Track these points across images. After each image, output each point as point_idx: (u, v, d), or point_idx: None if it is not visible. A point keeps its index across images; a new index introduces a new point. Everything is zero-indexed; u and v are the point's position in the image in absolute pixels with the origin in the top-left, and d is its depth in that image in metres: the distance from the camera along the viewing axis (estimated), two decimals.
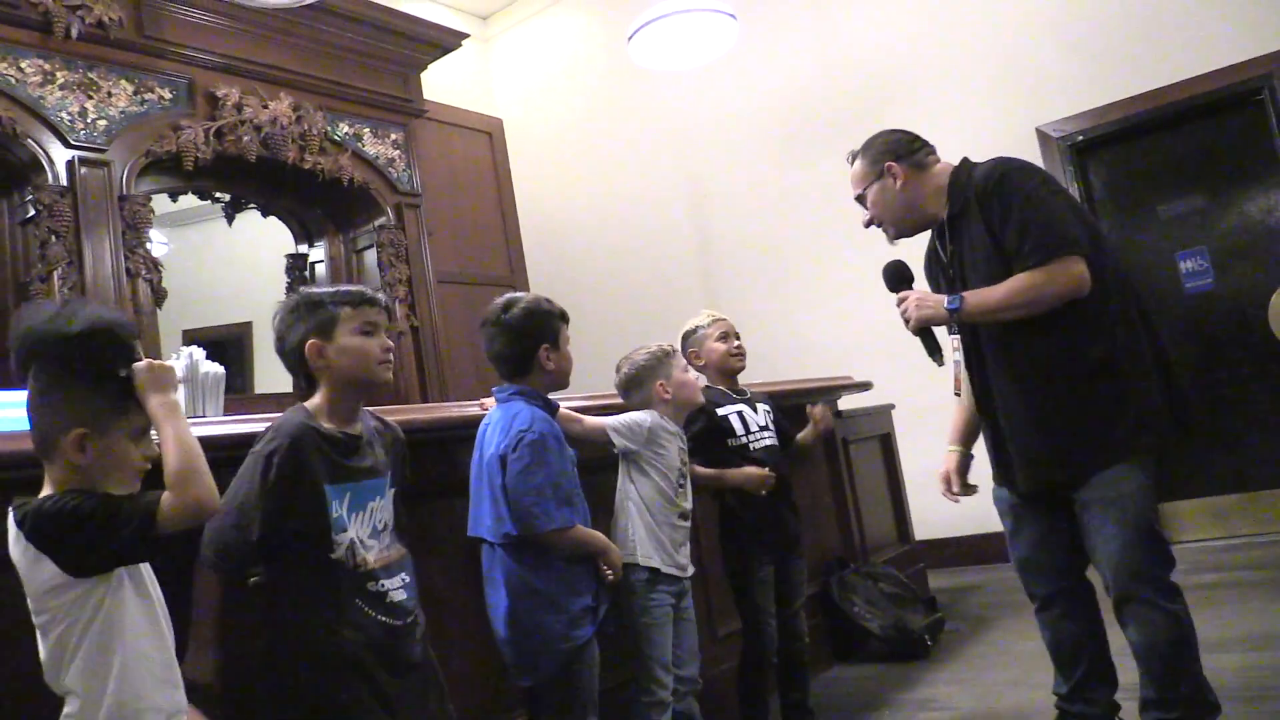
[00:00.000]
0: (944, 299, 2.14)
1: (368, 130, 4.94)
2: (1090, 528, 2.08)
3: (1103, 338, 2.06)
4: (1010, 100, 4.89)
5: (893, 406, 4.60)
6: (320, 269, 5.08)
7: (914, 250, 2.38)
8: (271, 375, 5.08)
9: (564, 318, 2.20)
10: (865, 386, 4.23)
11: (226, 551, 1.59)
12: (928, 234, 2.33)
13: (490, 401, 2.19)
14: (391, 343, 1.82)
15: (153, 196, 4.15)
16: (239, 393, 4.59)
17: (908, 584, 3.82)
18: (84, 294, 3.66)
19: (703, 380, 2.78)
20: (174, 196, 4.64)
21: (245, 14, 4.29)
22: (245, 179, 4.65)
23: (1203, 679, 2.06)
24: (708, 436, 2.65)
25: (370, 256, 4.97)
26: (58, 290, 3.61)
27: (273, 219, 5.07)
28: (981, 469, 2.36)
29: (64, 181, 3.73)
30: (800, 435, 2.91)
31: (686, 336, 2.83)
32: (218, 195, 4.86)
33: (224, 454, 1.52)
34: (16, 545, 1.32)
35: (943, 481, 2.40)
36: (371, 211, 4.97)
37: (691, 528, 2.43)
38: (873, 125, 2.47)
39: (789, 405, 3.01)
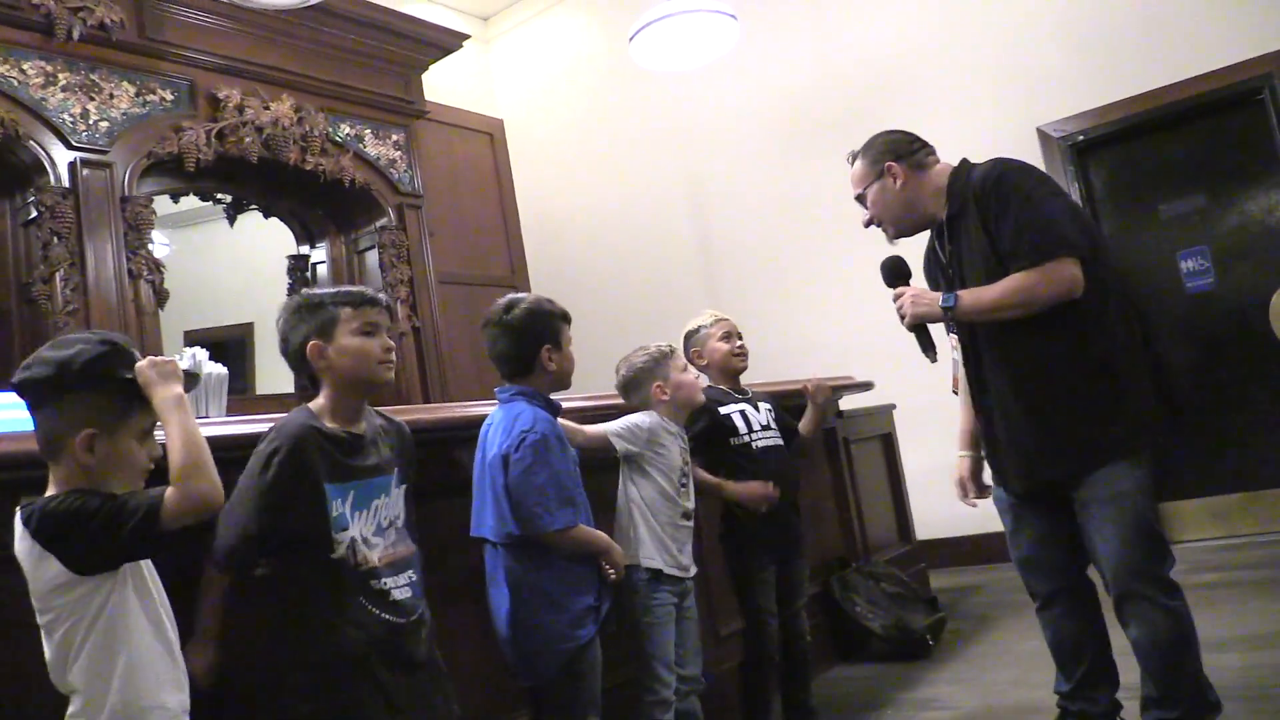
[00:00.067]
0: (939, 296, 2.15)
1: (369, 131, 4.95)
2: (1089, 527, 2.09)
3: (1100, 337, 2.07)
4: (1011, 100, 4.89)
5: (894, 406, 4.61)
6: (322, 270, 5.09)
7: (914, 250, 2.39)
8: (273, 376, 5.10)
9: (566, 318, 2.20)
10: (866, 386, 4.23)
11: (231, 552, 1.61)
12: (927, 234, 2.34)
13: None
14: (393, 343, 1.83)
15: (154, 198, 4.16)
16: (241, 393, 4.60)
17: (909, 583, 3.82)
18: (86, 295, 3.67)
19: (704, 380, 2.78)
20: (175, 198, 4.65)
21: (246, 15, 4.30)
22: (247, 180, 4.66)
23: (1203, 677, 2.07)
24: (710, 436, 2.65)
25: (372, 257, 4.98)
26: (59, 292, 3.62)
27: (274, 220, 5.08)
28: (985, 469, 2.37)
29: (66, 183, 3.73)
30: (800, 425, 2.91)
31: (689, 336, 2.83)
32: (219, 196, 4.87)
33: (227, 454, 1.52)
34: (22, 543, 1.33)
35: (959, 488, 2.41)
36: (373, 212, 4.98)
37: (694, 527, 2.43)
38: (873, 125, 2.48)
39: (791, 405, 3.01)
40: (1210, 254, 4.58)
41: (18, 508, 1.35)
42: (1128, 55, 4.62)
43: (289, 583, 1.67)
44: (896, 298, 2.25)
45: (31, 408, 1.39)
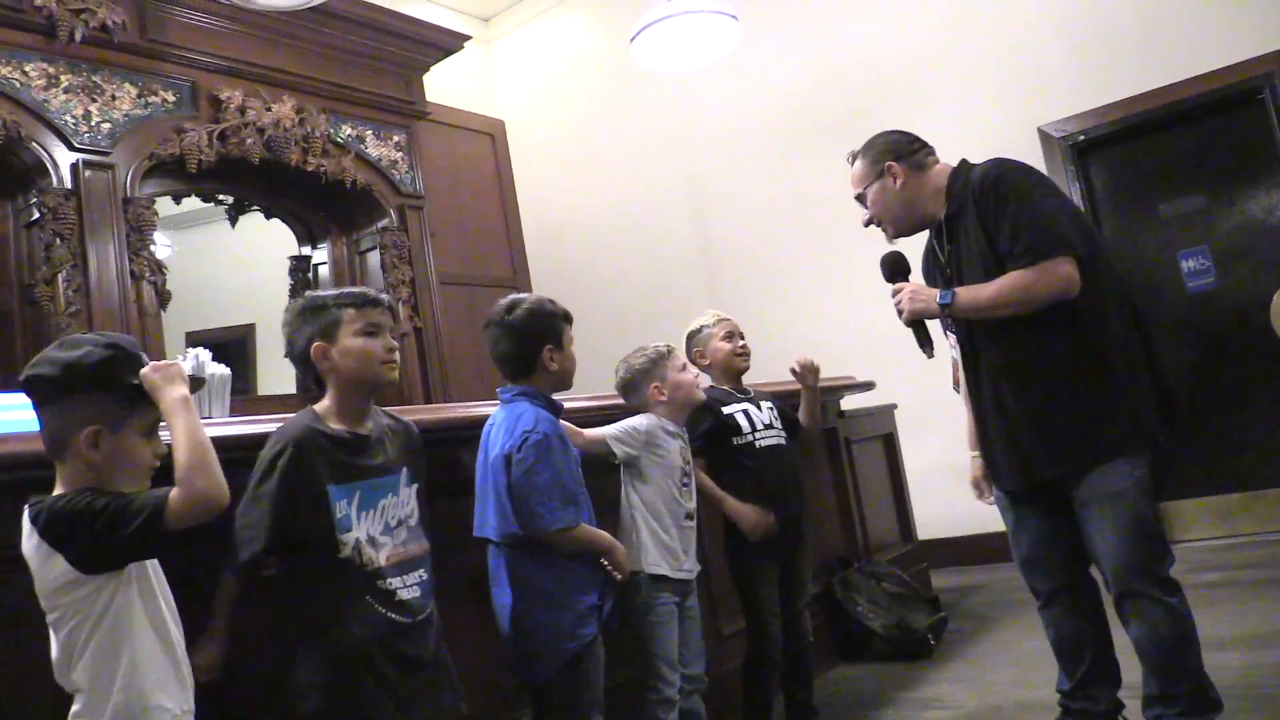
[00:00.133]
0: (937, 293, 2.18)
1: (370, 132, 4.96)
2: (1089, 526, 2.10)
3: (1099, 336, 2.08)
4: (1011, 100, 4.90)
5: (895, 406, 4.61)
6: (323, 271, 5.10)
7: (914, 249, 2.41)
8: (275, 377, 5.11)
9: (567, 318, 2.21)
10: (868, 386, 4.24)
11: (248, 556, 1.62)
12: (926, 233, 2.35)
13: None
14: (396, 343, 1.84)
15: (156, 199, 4.17)
16: (242, 394, 4.60)
17: (911, 583, 3.82)
18: (88, 297, 3.68)
19: (706, 380, 2.78)
20: (177, 199, 4.66)
21: (248, 17, 4.31)
22: (248, 181, 4.66)
23: (1204, 676, 2.07)
24: (714, 435, 2.66)
25: (373, 258, 4.99)
26: (62, 293, 3.62)
27: (276, 221, 5.09)
28: None
29: (68, 184, 3.74)
30: (799, 415, 2.91)
31: (691, 336, 2.83)
32: (221, 197, 4.88)
33: (231, 454, 1.53)
34: (29, 542, 1.34)
35: (974, 488, 2.42)
36: (374, 213, 4.99)
37: (696, 526, 2.44)
38: (874, 126, 2.49)
39: (793, 405, 3.01)
40: (1211, 254, 4.59)
41: (26, 506, 1.35)
42: (1128, 55, 4.62)
43: (296, 583, 1.68)
44: (895, 293, 2.27)
45: (37, 406, 1.40)
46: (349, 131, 4.84)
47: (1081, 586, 2.23)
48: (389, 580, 1.69)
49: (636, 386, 2.44)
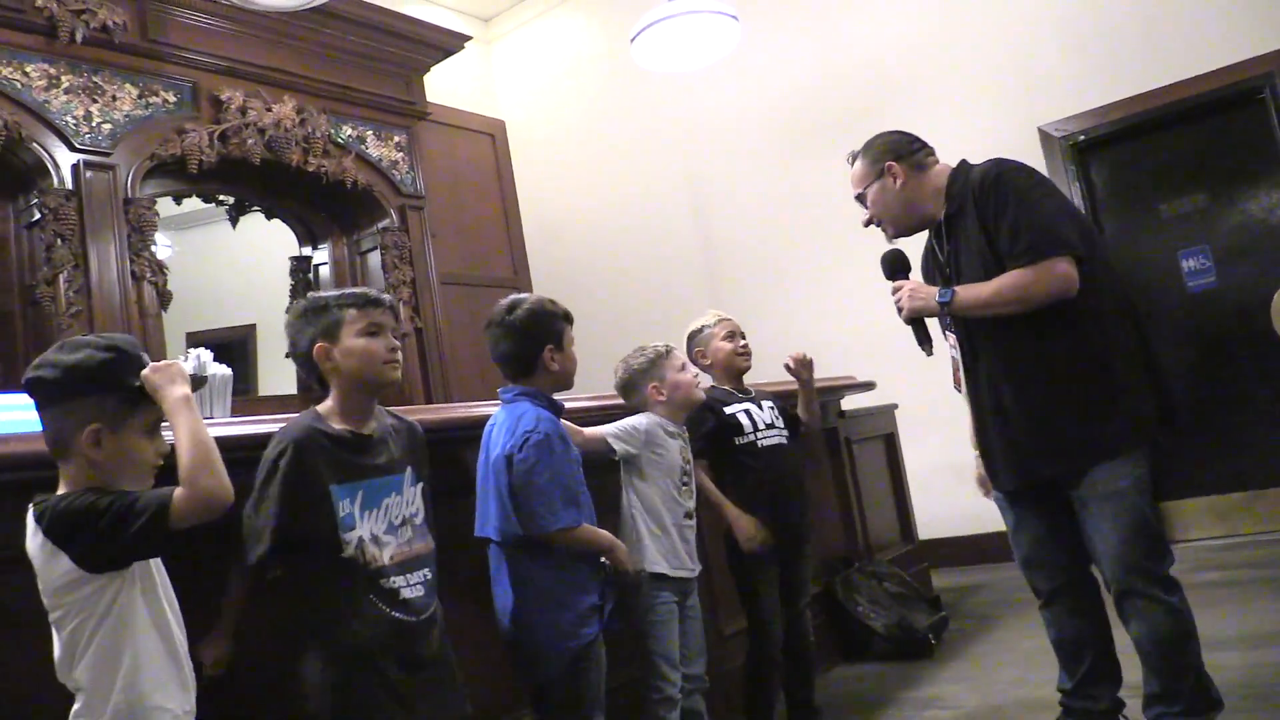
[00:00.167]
0: (937, 290, 2.19)
1: (371, 133, 4.96)
2: (1088, 525, 2.11)
3: (1098, 336, 2.09)
4: (1012, 100, 4.90)
5: (896, 406, 4.61)
6: (324, 271, 5.10)
7: (914, 249, 2.41)
8: (275, 377, 5.11)
9: (568, 318, 2.21)
10: (869, 386, 4.24)
11: (258, 557, 1.63)
12: (926, 233, 2.36)
13: None
14: (398, 343, 1.84)
15: (157, 199, 4.17)
16: (243, 395, 4.60)
17: (912, 583, 3.83)
18: (89, 297, 3.68)
19: (708, 380, 2.79)
20: (178, 199, 4.67)
21: (249, 18, 4.31)
22: (249, 182, 4.67)
23: (1205, 674, 2.08)
24: (716, 435, 2.66)
25: (374, 258, 4.99)
26: (63, 293, 3.63)
27: (276, 221, 5.09)
28: None
29: (69, 185, 3.74)
30: (799, 412, 2.91)
31: (692, 336, 2.83)
32: (222, 198, 4.89)
33: (233, 454, 1.53)
34: (34, 540, 1.34)
35: (980, 486, 2.43)
36: (375, 213, 4.99)
37: (696, 525, 2.44)
38: (874, 126, 2.49)
39: (794, 405, 3.02)
40: (1211, 253, 4.59)
41: (30, 505, 1.36)
42: (1128, 55, 4.62)
43: (300, 582, 1.69)
44: (895, 291, 2.29)
45: (39, 408, 1.40)
46: (350, 132, 4.85)
47: (1082, 585, 2.24)
48: (392, 579, 1.69)
49: (635, 386, 2.45)
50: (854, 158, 2.39)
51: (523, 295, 2.23)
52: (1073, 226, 2.10)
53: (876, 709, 2.93)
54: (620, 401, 2.51)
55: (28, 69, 3.71)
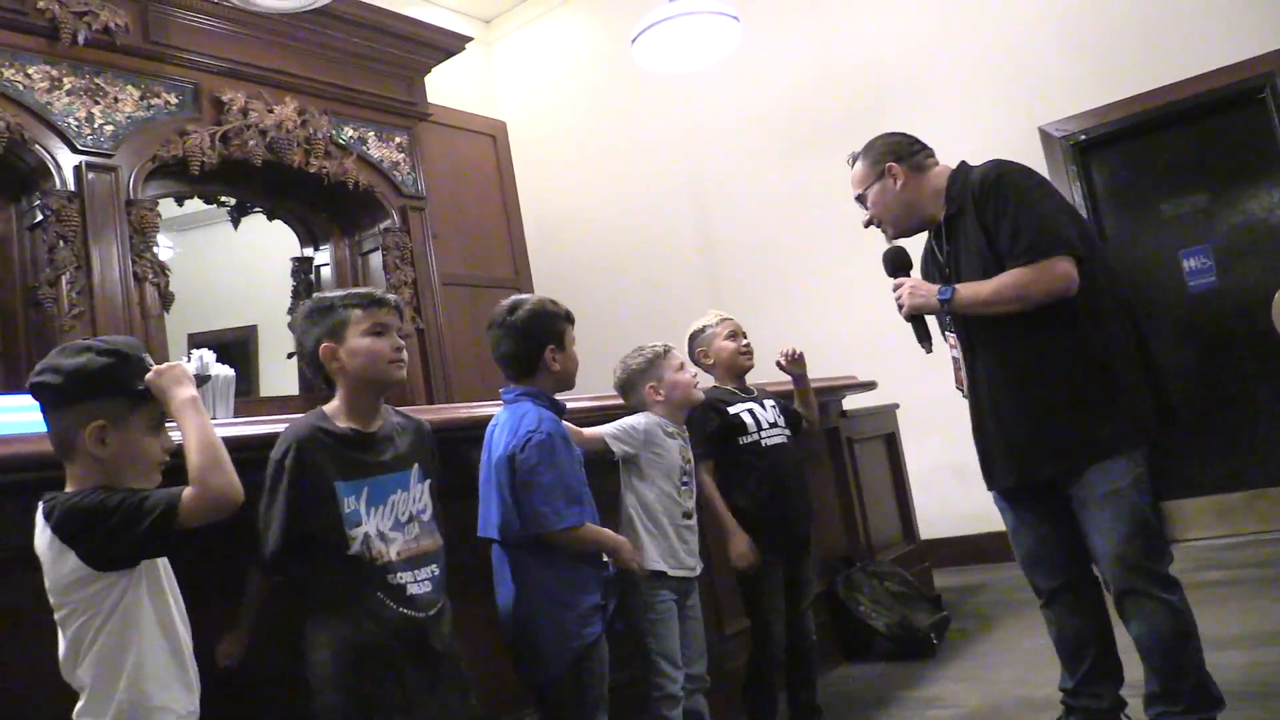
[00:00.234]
0: (937, 288, 2.20)
1: (372, 134, 4.97)
2: (1087, 524, 2.12)
3: (1097, 335, 2.10)
4: (1012, 100, 4.90)
5: (897, 406, 4.62)
6: (325, 272, 5.11)
7: (915, 248, 2.42)
8: (277, 378, 5.12)
9: (569, 319, 2.22)
10: (870, 386, 4.25)
11: (274, 557, 1.66)
12: (926, 234, 2.37)
13: None
14: (403, 342, 1.85)
15: (159, 201, 4.18)
16: (245, 396, 4.61)
17: (913, 583, 3.83)
18: (92, 298, 3.68)
19: (708, 380, 2.79)
20: (180, 201, 4.66)
21: (250, 19, 4.31)
22: (251, 183, 4.67)
23: (1206, 673, 2.08)
24: (720, 435, 2.66)
25: (375, 259, 4.99)
26: (65, 295, 3.63)
27: (278, 222, 5.09)
28: None
29: (71, 186, 3.75)
30: (797, 409, 2.91)
31: (694, 336, 2.84)
32: (223, 199, 4.89)
33: (239, 455, 1.53)
34: (42, 538, 1.35)
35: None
36: (376, 214, 5.00)
37: (696, 525, 2.44)
38: (875, 126, 2.50)
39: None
40: (1212, 252, 4.59)
41: (40, 502, 1.37)
42: (1129, 55, 4.62)
43: (308, 578, 1.71)
44: (896, 288, 2.30)
45: (44, 411, 1.41)
46: (351, 133, 4.85)
47: (1083, 584, 2.24)
48: (399, 575, 1.71)
49: (633, 386, 2.46)
50: (854, 159, 2.40)
51: (524, 295, 2.24)
52: (1073, 227, 2.12)
53: (878, 708, 2.93)
54: (620, 401, 2.51)
55: (30, 71, 3.72)
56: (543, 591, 2.02)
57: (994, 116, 4.89)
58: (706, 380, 2.76)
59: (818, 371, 3.13)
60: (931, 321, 2.35)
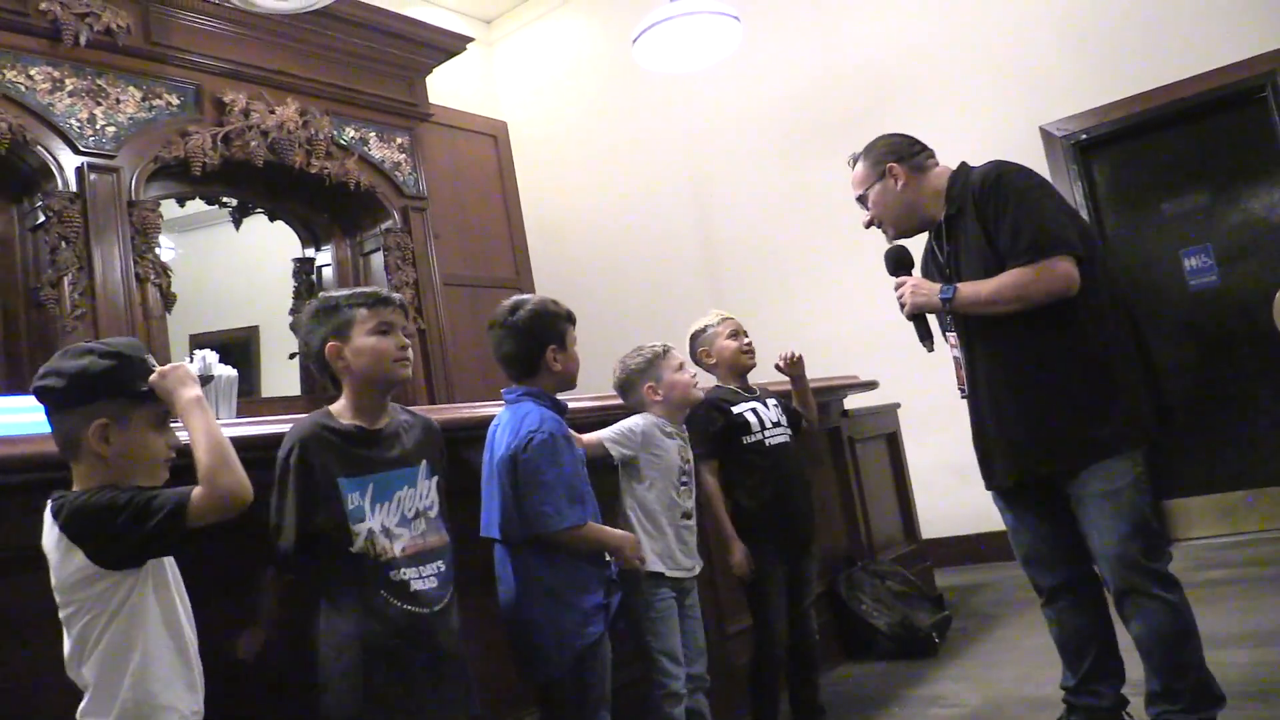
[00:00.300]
0: (939, 287, 2.21)
1: (374, 134, 4.97)
2: (1087, 524, 2.12)
3: (1096, 335, 2.11)
4: (1013, 100, 4.90)
5: (898, 405, 4.62)
6: (327, 273, 5.11)
7: (916, 250, 2.43)
8: (279, 379, 5.12)
9: (571, 319, 2.22)
10: (871, 385, 4.25)
11: (287, 554, 1.68)
12: (926, 234, 2.38)
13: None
14: (408, 340, 1.86)
15: (161, 202, 4.18)
16: (247, 396, 4.61)
17: (915, 582, 3.83)
18: (94, 299, 3.69)
19: (709, 380, 2.79)
20: (181, 201, 4.67)
21: (251, 20, 4.32)
22: (252, 183, 4.68)
23: (1206, 671, 2.08)
24: (725, 435, 2.66)
25: (377, 260, 5.00)
26: (68, 296, 3.64)
27: (279, 223, 5.10)
28: None
29: (73, 188, 3.75)
30: (797, 409, 2.92)
31: (696, 336, 2.84)
32: (225, 200, 4.89)
33: (246, 454, 1.54)
34: (50, 536, 1.35)
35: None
36: (378, 215, 5.00)
37: (696, 525, 2.45)
38: (876, 126, 2.51)
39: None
40: (1213, 252, 4.59)
41: (49, 500, 1.37)
42: (1129, 54, 4.63)
43: (318, 576, 1.72)
44: (898, 287, 2.31)
45: (48, 413, 1.42)
46: (352, 134, 4.86)
47: (1083, 583, 2.25)
48: (403, 571, 1.71)
49: (632, 386, 2.46)
50: (855, 160, 2.42)
51: (525, 296, 2.24)
52: (1073, 227, 2.13)
53: (880, 707, 2.93)
54: (620, 401, 2.52)
55: (32, 72, 3.72)
56: (545, 591, 2.03)
57: (994, 116, 4.89)
58: (708, 380, 2.77)
59: (818, 371, 3.13)
60: (933, 321, 2.36)
